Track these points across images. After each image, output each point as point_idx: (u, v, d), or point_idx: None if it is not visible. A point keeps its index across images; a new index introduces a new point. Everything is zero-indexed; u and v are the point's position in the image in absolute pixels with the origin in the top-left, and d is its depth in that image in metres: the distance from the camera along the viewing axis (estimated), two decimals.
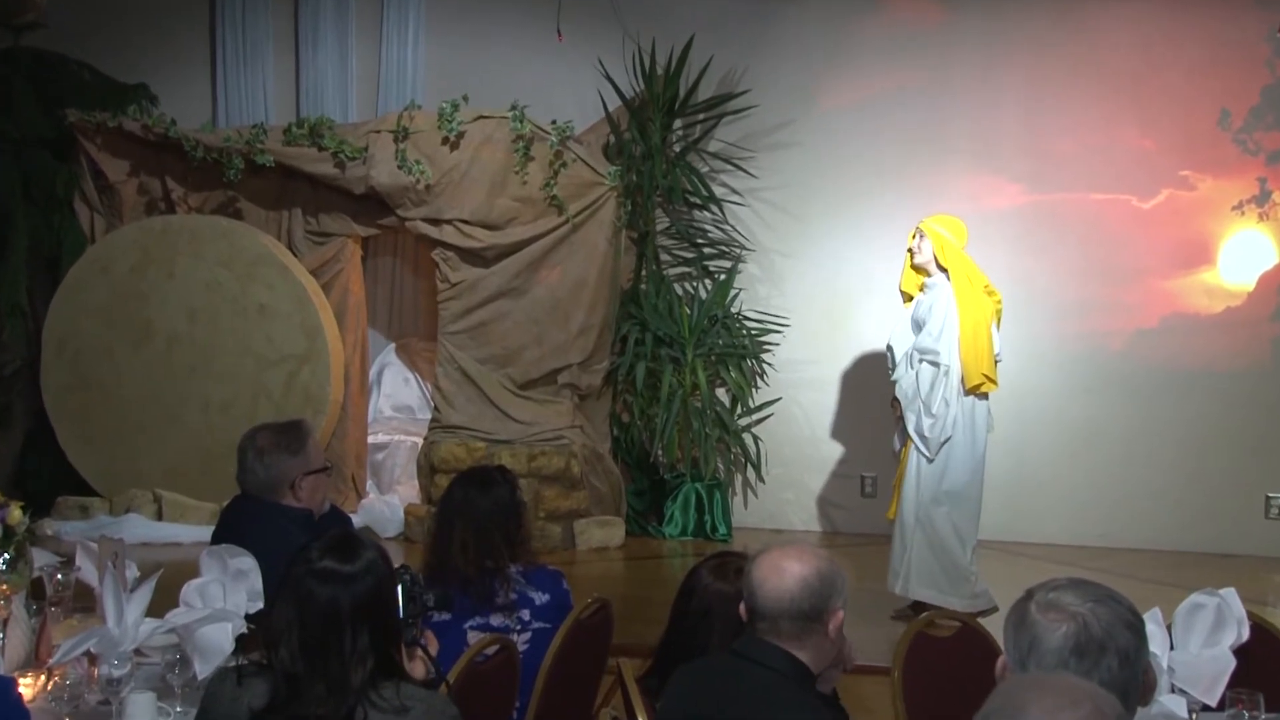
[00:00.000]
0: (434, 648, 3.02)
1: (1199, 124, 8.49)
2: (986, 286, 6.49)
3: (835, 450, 8.97)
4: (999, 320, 6.55)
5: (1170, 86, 8.51)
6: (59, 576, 3.65)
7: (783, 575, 2.87)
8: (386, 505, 8.89)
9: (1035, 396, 8.62)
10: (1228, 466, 8.40)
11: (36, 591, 3.63)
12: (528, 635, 3.89)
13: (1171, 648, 3.18)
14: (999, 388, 6.53)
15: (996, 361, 6.46)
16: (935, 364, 6.43)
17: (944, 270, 6.47)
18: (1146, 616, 2.49)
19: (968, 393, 6.41)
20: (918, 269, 6.60)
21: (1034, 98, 8.72)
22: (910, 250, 6.60)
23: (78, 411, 8.87)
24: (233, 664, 2.69)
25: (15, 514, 3.41)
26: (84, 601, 3.73)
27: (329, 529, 4.00)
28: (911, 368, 6.58)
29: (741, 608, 2.96)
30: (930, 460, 6.45)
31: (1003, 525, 8.51)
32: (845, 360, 8.88)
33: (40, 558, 3.71)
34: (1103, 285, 8.65)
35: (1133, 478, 8.51)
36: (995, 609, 6.34)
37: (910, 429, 6.52)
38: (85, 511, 8.73)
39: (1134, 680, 2.24)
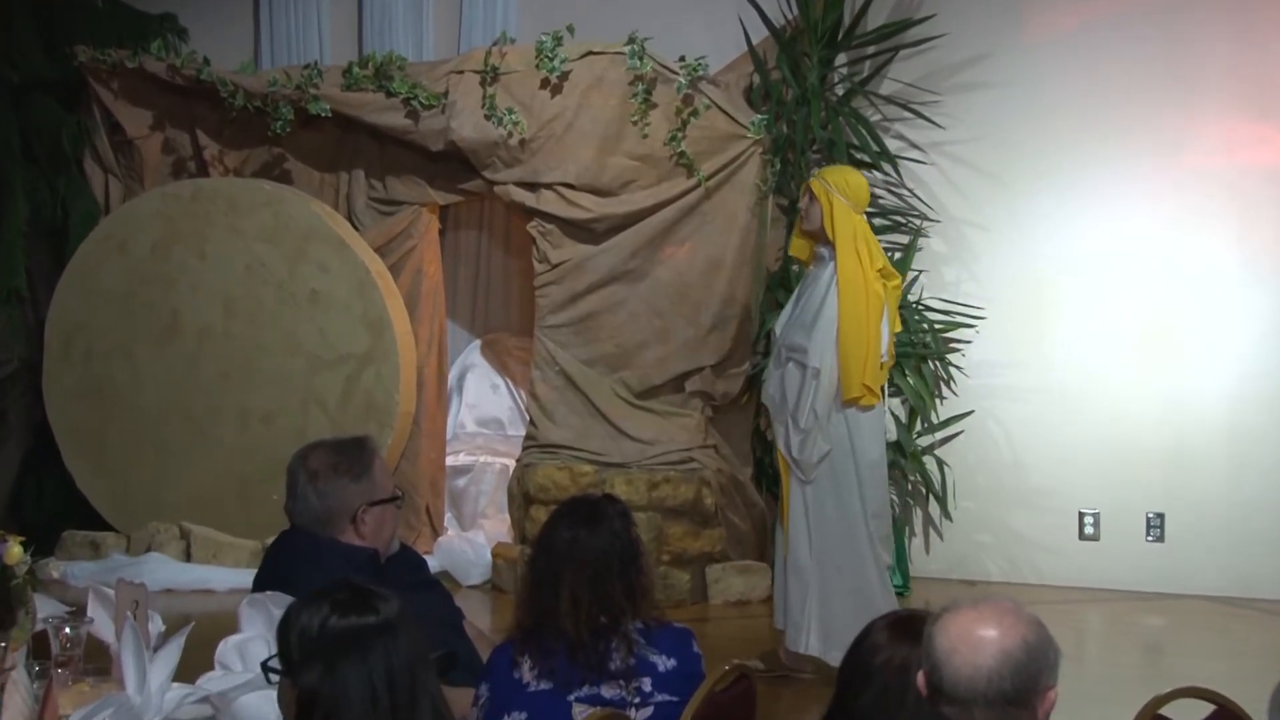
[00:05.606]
0: None
1: None
2: (883, 269, 6.39)
3: (1044, 479, 8.84)
4: (894, 313, 6.46)
5: None
6: (67, 630, 3.71)
7: (977, 647, 2.81)
8: (469, 545, 8.97)
9: None
10: None
11: (40, 649, 3.71)
12: (649, 710, 3.89)
13: None
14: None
15: (882, 365, 6.37)
16: (803, 365, 6.35)
17: (833, 243, 6.40)
18: None
19: (845, 404, 6.30)
20: (807, 235, 6.59)
21: None
22: (799, 212, 6.58)
23: (88, 424, 9.09)
24: None
25: (14, 551, 3.49)
26: (97, 661, 3.79)
27: (399, 573, 4.07)
28: (778, 366, 6.55)
29: (919, 679, 2.93)
30: (808, 483, 6.37)
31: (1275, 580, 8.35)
32: (1057, 363, 8.77)
33: (44, 606, 3.79)
34: None
35: None
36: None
37: (780, 445, 6.50)
38: (97, 549, 8.94)
39: None
